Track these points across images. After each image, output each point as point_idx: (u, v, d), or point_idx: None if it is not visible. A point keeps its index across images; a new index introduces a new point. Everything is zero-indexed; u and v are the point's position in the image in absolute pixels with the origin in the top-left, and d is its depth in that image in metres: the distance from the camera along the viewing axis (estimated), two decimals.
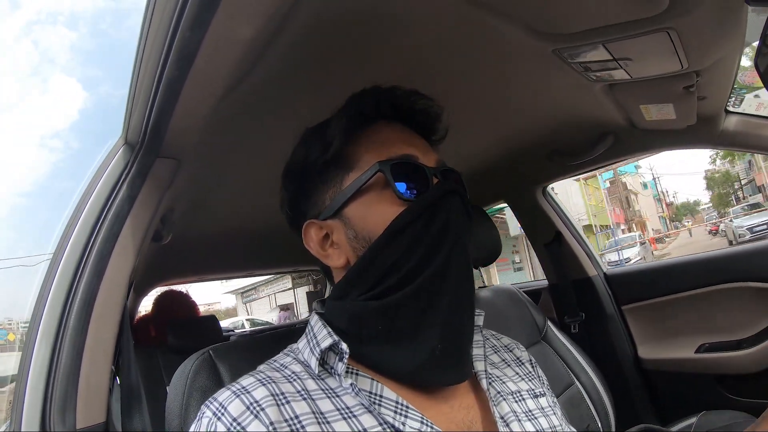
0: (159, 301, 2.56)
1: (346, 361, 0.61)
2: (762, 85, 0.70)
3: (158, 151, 1.00)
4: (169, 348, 2.08)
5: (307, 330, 0.70)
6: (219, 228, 1.99)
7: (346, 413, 0.59)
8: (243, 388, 0.58)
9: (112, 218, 0.96)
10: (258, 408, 0.55)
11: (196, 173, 1.24)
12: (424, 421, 0.60)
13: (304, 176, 0.74)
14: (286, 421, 0.55)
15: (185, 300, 2.61)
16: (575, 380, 1.69)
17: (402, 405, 0.61)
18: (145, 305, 2.75)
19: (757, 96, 1.52)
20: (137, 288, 2.33)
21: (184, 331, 2.12)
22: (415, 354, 0.63)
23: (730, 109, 1.42)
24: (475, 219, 0.78)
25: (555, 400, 0.83)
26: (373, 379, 0.64)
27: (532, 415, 0.72)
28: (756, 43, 0.79)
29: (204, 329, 2.25)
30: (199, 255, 2.32)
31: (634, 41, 0.89)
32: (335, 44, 0.90)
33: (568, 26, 0.89)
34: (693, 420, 1.53)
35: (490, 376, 0.74)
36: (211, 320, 2.42)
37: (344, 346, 0.62)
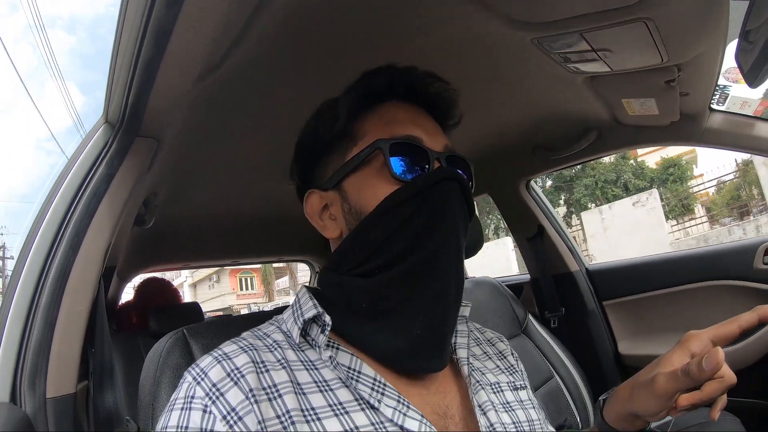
0: (141, 288, 2.56)
1: (327, 333, 0.62)
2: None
3: (138, 131, 1.01)
4: (151, 334, 2.09)
5: (293, 301, 0.71)
6: (204, 214, 1.99)
7: (323, 386, 0.59)
8: (225, 354, 0.58)
9: (90, 195, 0.97)
10: (238, 374, 0.55)
11: (178, 156, 1.25)
12: (401, 400, 0.60)
13: (313, 149, 0.75)
14: (264, 389, 0.56)
15: (167, 287, 2.61)
16: (554, 374, 1.71)
17: (379, 382, 0.61)
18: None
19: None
20: (121, 273, 2.32)
21: (165, 317, 2.13)
22: (396, 338, 0.63)
23: (714, 107, 1.43)
24: None
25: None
26: (353, 354, 0.63)
27: (510, 407, 0.73)
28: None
29: (186, 315, 2.24)
30: (183, 241, 2.32)
31: (611, 31, 0.89)
32: (316, 27, 0.90)
33: (545, 14, 0.89)
34: (668, 418, 1.54)
35: (472, 365, 0.73)
36: (193, 307, 2.42)
37: (327, 318, 0.62)
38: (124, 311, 2.50)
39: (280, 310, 0.74)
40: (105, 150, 1.01)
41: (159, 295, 2.51)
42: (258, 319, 0.91)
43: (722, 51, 1.07)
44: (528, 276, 2.21)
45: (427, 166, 0.67)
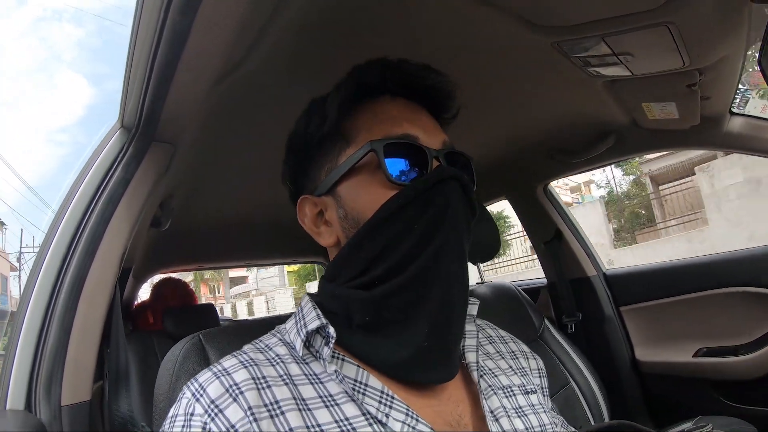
0: (157, 288, 2.59)
1: (332, 345, 0.59)
2: (767, 85, 0.68)
3: (153, 136, 1.01)
4: (166, 334, 2.10)
5: (297, 310, 0.68)
6: (219, 216, 1.99)
7: (329, 401, 0.57)
8: (224, 369, 0.57)
9: (106, 200, 0.96)
10: (237, 391, 0.54)
11: (195, 160, 1.25)
12: (410, 413, 0.58)
13: (303, 149, 0.72)
14: (265, 405, 0.54)
15: (183, 288, 2.63)
16: (571, 380, 1.69)
17: (387, 395, 0.59)
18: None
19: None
20: (137, 274, 2.35)
21: (181, 318, 2.15)
22: (401, 350, 0.61)
23: (735, 110, 1.40)
24: None
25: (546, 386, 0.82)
26: (358, 366, 0.61)
27: (522, 411, 0.70)
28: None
29: (201, 317, 2.26)
30: (199, 243, 2.33)
31: (633, 35, 0.88)
32: (334, 31, 0.89)
33: (566, 18, 0.88)
34: (687, 424, 1.52)
35: (482, 368, 0.71)
36: (209, 308, 2.44)
37: (331, 330, 0.60)
38: (140, 311, 2.52)
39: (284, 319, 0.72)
40: (121, 155, 1.01)
41: (175, 295, 2.53)
42: (271, 324, 0.91)
43: (744, 54, 1.05)
44: (544, 280, 2.19)
45: (425, 166, 0.64)
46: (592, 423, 1.62)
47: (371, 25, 0.91)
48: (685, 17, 0.83)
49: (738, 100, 1.39)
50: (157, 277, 2.73)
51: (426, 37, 0.96)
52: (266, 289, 24.81)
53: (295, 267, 20.52)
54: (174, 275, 2.74)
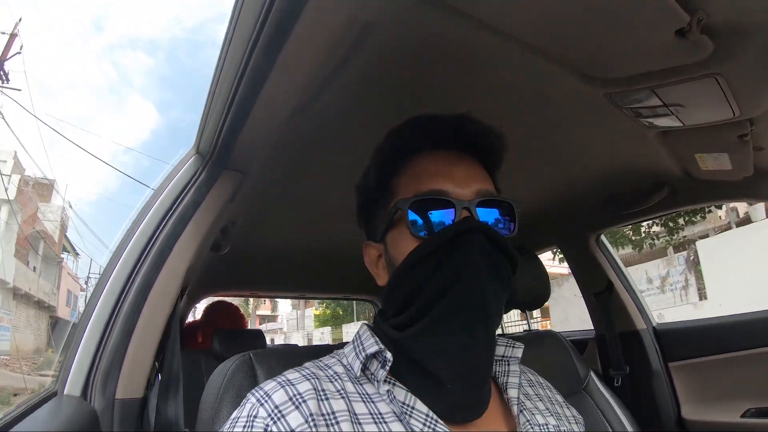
0: (209, 310, 2.68)
1: (388, 368, 0.65)
2: None
3: (226, 164, 1.10)
4: (213, 355, 2.16)
5: (354, 338, 0.75)
6: (277, 246, 2.07)
7: (378, 418, 0.62)
8: (288, 380, 0.63)
9: (177, 218, 1.06)
10: (300, 399, 0.60)
11: (260, 189, 1.33)
12: None
13: (366, 197, 0.80)
14: (323, 415, 0.60)
15: (234, 311, 2.71)
16: None
17: (431, 419, 0.63)
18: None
19: None
20: (191, 294, 2.43)
21: (229, 339, 2.19)
22: (431, 392, 0.66)
23: None
24: (523, 262, 0.75)
25: None
26: (408, 391, 0.66)
27: None
28: None
29: (248, 341, 2.31)
30: (254, 270, 2.42)
31: (682, 87, 0.89)
32: (397, 82, 0.95)
33: (617, 71, 0.91)
34: None
35: (522, 404, 0.74)
36: (257, 334, 2.50)
37: (388, 354, 0.65)
38: (191, 330, 2.61)
39: (340, 346, 0.78)
40: (194, 179, 1.10)
41: (226, 318, 2.61)
42: (319, 351, 0.94)
43: None
44: (593, 332, 2.13)
45: (452, 218, 0.68)
46: None
47: (434, 77, 0.96)
48: (733, 68, 0.84)
49: None
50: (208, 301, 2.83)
51: (484, 87, 1.00)
52: (288, 330, 25.71)
53: (317, 311, 22.10)
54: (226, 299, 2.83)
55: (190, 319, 2.86)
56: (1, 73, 12.02)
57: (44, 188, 18.13)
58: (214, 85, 0.94)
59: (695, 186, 1.52)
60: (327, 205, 1.55)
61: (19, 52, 12.55)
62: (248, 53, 0.76)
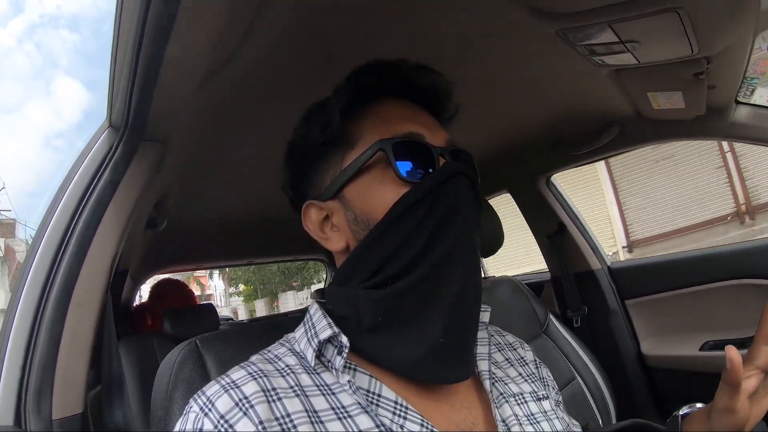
0: (155, 290, 2.56)
1: (345, 355, 0.58)
2: None
3: (142, 135, 0.97)
4: (166, 336, 2.08)
5: (305, 319, 0.67)
6: (216, 215, 1.98)
7: (342, 413, 0.56)
8: (232, 382, 0.55)
9: (95, 202, 0.93)
10: (247, 404, 0.53)
11: (188, 159, 1.23)
12: (424, 424, 0.57)
13: (305, 156, 0.72)
14: (276, 419, 0.53)
15: (181, 288, 2.61)
16: (577, 376, 1.67)
17: (401, 406, 0.58)
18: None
19: None
20: (134, 276, 2.33)
21: (180, 319, 2.11)
22: (416, 347, 0.59)
23: (741, 99, 1.37)
24: None
25: (560, 398, 0.82)
26: (371, 376, 0.61)
27: (534, 419, 0.70)
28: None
29: (200, 318, 2.23)
30: (197, 242, 2.32)
31: (641, 22, 0.84)
32: (324, 23, 0.86)
33: (572, 5, 0.84)
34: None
35: (493, 375, 0.71)
36: (209, 309, 2.41)
37: (344, 339, 0.59)
38: (139, 313, 2.49)
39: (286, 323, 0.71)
40: (109, 155, 0.97)
41: (173, 296, 2.50)
42: (271, 326, 0.88)
43: (751, 42, 1.02)
44: (548, 275, 2.16)
45: (432, 164, 0.64)
46: (599, 418, 1.60)
47: (365, 17, 0.87)
48: (695, 2, 0.79)
49: (744, 89, 1.36)
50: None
51: (425, 27, 0.93)
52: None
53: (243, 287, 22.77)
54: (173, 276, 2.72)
55: (137, 302, 2.73)
56: None
57: None
58: (114, 47, 0.81)
59: (646, 125, 1.52)
60: (261, 167, 1.47)
61: None
62: (146, 4, 0.64)
